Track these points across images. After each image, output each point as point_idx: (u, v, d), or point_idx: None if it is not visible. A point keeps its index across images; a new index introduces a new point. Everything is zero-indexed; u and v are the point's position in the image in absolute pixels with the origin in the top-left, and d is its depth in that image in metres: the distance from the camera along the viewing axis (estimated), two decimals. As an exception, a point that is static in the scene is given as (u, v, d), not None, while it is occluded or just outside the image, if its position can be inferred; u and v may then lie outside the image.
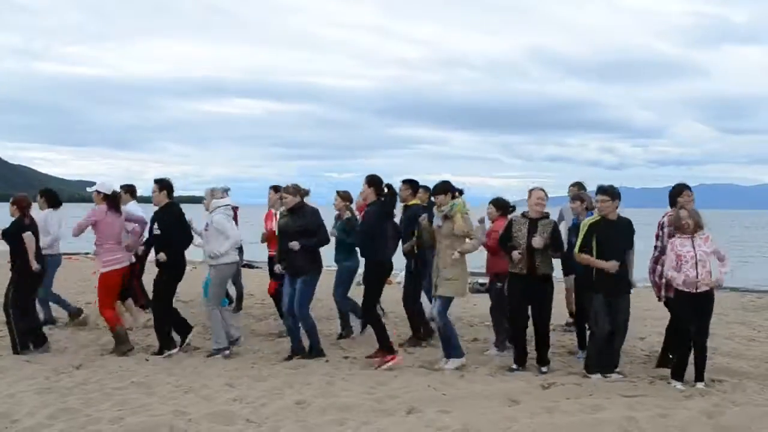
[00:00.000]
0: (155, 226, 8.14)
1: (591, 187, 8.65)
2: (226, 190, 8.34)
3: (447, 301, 7.57)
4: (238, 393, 6.49)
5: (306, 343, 8.05)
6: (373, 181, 8.03)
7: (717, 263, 6.94)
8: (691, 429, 5.57)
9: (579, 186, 8.82)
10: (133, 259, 8.82)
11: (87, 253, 15.44)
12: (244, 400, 6.24)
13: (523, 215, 7.59)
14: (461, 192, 7.82)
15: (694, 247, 6.84)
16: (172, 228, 8.10)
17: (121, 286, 8.50)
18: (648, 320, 10.27)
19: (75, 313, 9.70)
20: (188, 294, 11.30)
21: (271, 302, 9.78)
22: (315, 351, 7.96)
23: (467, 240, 7.54)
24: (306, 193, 8.13)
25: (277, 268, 8.11)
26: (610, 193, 7.25)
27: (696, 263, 6.79)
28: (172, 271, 8.19)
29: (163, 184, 8.29)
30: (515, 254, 7.37)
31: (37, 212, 8.80)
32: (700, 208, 7.14)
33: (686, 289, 6.85)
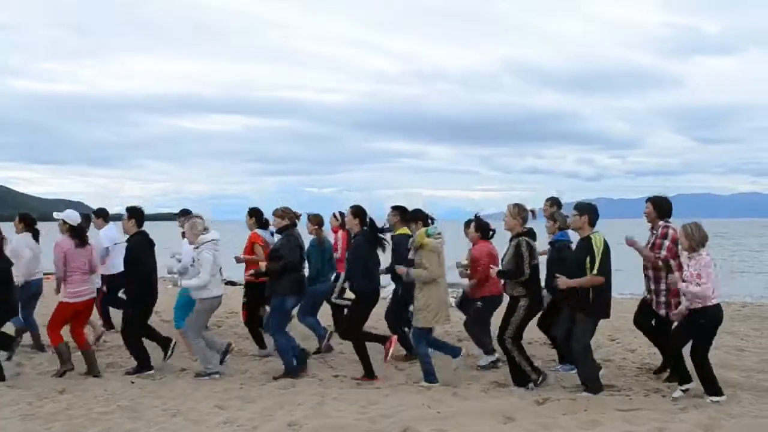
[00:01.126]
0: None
1: (569, 199, 8.63)
2: (206, 228, 8.04)
3: (418, 331, 7.55)
4: (228, 415, 6.34)
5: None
6: (358, 212, 8.01)
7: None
8: (689, 443, 5.52)
9: (553, 201, 8.61)
10: (95, 291, 8.50)
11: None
12: (234, 423, 6.10)
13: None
14: (433, 220, 7.87)
15: (688, 267, 6.77)
16: (139, 258, 8.05)
17: (74, 316, 8.19)
18: (638, 332, 10.21)
19: (38, 346, 9.21)
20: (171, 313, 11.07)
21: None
22: (286, 371, 7.85)
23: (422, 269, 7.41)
24: (296, 216, 8.24)
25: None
26: (578, 207, 7.19)
27: (684, 282, 6.76)
28: (140, 304, 8.17)
29: (132, 213, 8.22)
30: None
31: (12, 236, 8.63)
32: (681, 218, 7.11)
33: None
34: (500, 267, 7.46)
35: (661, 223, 7.53)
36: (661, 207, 7.60)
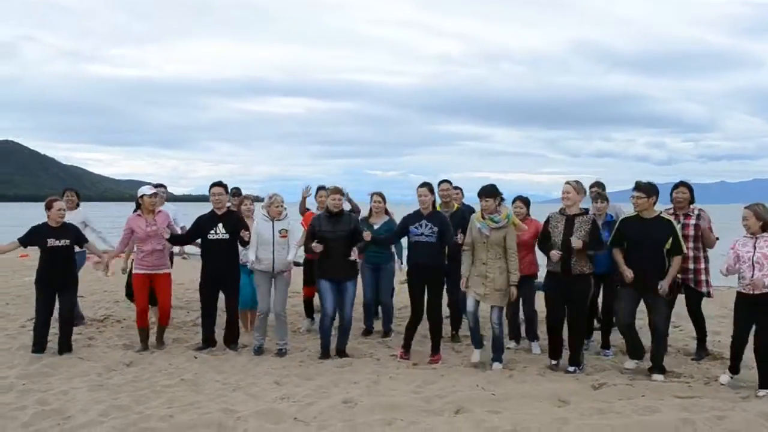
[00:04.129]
0: (219, 229, 8.10)
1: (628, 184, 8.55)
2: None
3: (502, 310, 7.55)
4: (286, 391, 6.50)
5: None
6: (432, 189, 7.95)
7: None
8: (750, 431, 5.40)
9: (599, 186, 8.62)
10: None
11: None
12: (291, 399, 6.25)
13: (561, 212, 7.41)
14: (503, 198, 7.72)
15: (754, 248, 6.62)
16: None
17: None
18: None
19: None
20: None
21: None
22: (343, 352, 7.95)
23: (512, 252, 7.37)
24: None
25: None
26: (645, 189, 7.14)
27: (752, 264, 6.58)
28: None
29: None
30: (554, 254, 7.24)
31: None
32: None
33: (743, 291, 6.67)
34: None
35: (695, 206, 7.90)
36: (693, 192, 7.93)
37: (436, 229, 7.69)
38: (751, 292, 6.58)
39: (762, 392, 6.49)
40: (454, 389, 6.56)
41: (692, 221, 7.75)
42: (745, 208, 6.78)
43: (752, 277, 6.54)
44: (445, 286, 8.17)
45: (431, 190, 7.86)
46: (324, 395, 6.36)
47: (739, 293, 6.73)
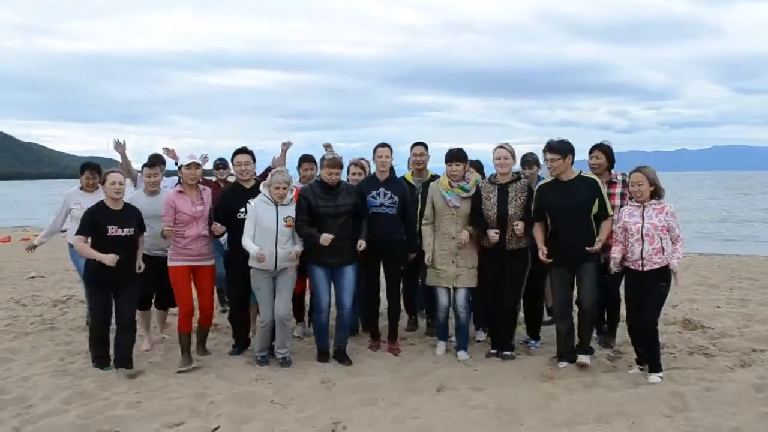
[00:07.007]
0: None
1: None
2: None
3: (469, 291, 6.75)
4: (260, 372, 6.24)
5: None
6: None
7: (671, 245, 5.90)
8: (741, 403, 5.28)
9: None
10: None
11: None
12: (267, 381, 6.00)
13: (491, 180, 6.57)
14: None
15: (642, 218, 5.93)
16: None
17: None
18: (678, 288, 9.91)
19: None
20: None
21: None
22: (344, 354, 6.72)
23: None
24: None
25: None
26: (558, 149, 6.19)
27: (642, 237, 5.89)
28: None
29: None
30: (491, 234, 6.34)
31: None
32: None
33: (631, 267, 5.99)
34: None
35: (617, 172, 6.80)
36: (611, 156, 6.77)
37: (396, 198, 6.77)
38: (640, 269, 5.91)
39: (653, 377, 5.85)
40: (435, 367, 6.35)
41: (618, 189, 6.64)
42: (637, 171, 5.98)
43: (642, 251, 5.87)
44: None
45: (391, 151, 6.99)
46: (301, 376, 6.12)
47: (627, 269, 6.05)
